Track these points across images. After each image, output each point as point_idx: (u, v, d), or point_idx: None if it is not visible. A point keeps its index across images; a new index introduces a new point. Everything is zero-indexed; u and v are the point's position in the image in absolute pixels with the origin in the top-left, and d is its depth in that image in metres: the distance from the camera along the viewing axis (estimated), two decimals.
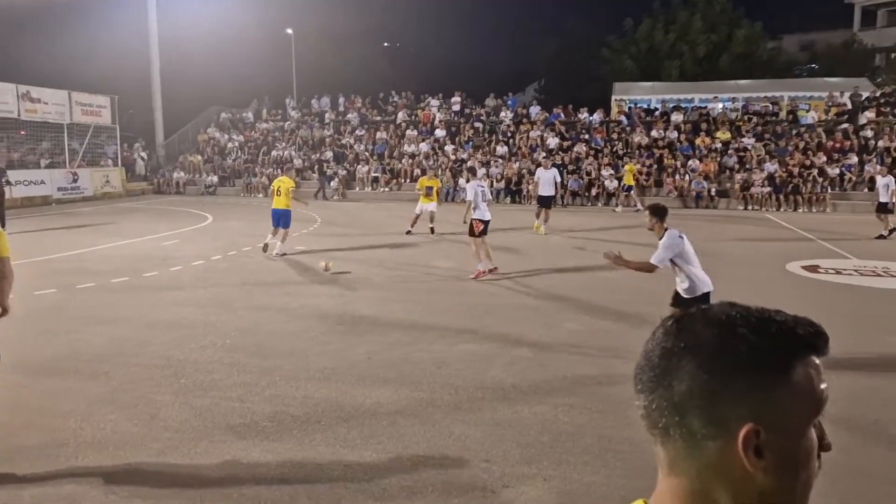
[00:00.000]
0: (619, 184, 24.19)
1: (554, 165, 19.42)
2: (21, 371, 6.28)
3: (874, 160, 23.64)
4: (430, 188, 16.38)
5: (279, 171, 28.79)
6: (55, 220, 19.36)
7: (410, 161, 28.61)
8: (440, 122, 30.77)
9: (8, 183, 16.97)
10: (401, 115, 31.95)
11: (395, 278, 11.04)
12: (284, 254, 12.95)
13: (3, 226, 16.17)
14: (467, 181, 12.16)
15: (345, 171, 28.44)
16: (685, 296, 6.31)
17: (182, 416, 5.33)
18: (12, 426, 5.03)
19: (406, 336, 7.61)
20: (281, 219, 12.99)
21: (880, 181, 16.41)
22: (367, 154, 29.57)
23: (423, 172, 19.79)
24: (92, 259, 12.70)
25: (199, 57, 40.22)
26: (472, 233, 10.97)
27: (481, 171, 26.39)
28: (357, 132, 31.46)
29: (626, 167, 24.32)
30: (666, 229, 6.38)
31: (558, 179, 17.93)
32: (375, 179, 28.13)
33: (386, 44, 58.34)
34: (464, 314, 8.67)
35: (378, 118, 32.63)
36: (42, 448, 4.73)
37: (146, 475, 4.37)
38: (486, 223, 11.05)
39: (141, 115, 34.10)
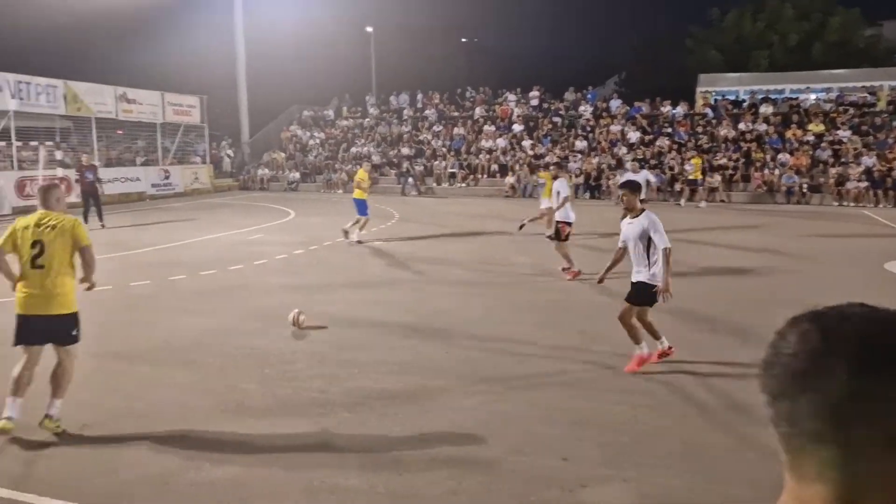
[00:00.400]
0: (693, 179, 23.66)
1: (642, 168, 18.70)
2: (120, 358, 6.64)
3: None
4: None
5: (358, 166, 29.33)
6: (149, 215, 20.35)
7: (488, 157, 28.60)
8: (518, 117, 30.60)
9: (99, 181, 17.92)
10: (478, 111, 31.95)
11: (473, 274, 11.05)
12: (360, 241, 13.94)
13: (101, 219, 17.11)
14: (555, 178, 11.32)
15: (422, 167, 28.69)
16: (649, 282, 6.15)
17: (266, 404, 5.51)
18: (111, 410, 5.32)
19: (484, 332, 7.61)
20: (357, 207, 14.16)
21: None
22: (444, 150, 29.73)
23: (545, 167, 17.89)
24: (182, 252, 13.28)
25: (283, 57, 41.39)
26: (559, 236, 10.49)
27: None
28: (434, 128, 31.68)
29: (693, 160, 23.72)
30: (643, 209, 6.30)
31: (652, 180, 16.92)
32: (452, 175, 28.24)
33: (464, 39, 58.44)
34: (542, 311, 8.60)
35: (455, 114, 32.75)
36: (137, 431, 4.98)
37: (233, 461, 4.54)
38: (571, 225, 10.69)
39: (227, 114, 35.38)
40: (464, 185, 27.74)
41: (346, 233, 14.09)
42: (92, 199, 17.33)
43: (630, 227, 6.28)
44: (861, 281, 10.28)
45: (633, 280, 6.29)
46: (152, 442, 4.80)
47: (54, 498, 4.05)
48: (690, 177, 23.50)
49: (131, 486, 4.20)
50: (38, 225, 4.92)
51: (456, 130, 30.89)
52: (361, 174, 14.51)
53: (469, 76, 42.12)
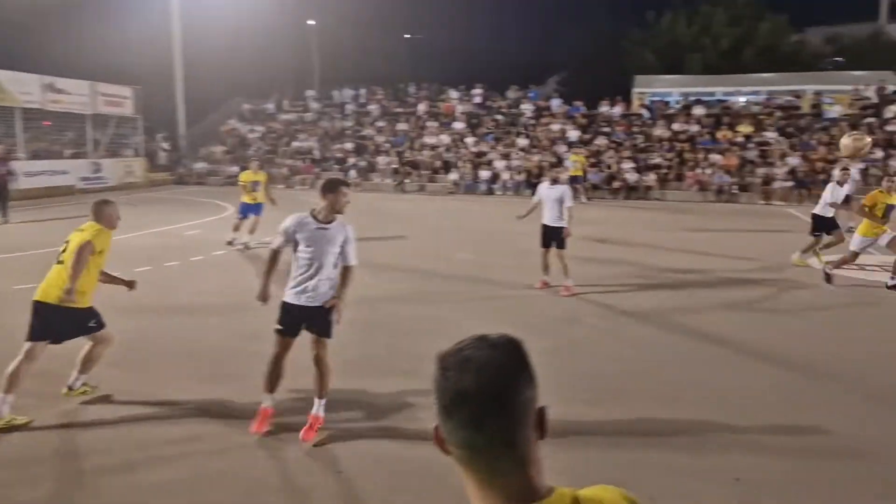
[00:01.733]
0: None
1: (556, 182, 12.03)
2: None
3: None
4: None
5: (301, 161, 28.96)
6: (76, 209, 19.56)
7: (431, 153, 28.64)
8: (461, 114, 30.75)
9: (11, 173, 17.21)
10: (421, 107, 31.95)
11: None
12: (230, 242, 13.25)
13: (6, 214, 16.39)
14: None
15: (364, 163, 28.53)
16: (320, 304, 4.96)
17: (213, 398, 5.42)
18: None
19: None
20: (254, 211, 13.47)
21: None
22: (386, 146, 29.63)
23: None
24: (114, 249, 12.80)
25: (222, 49, 40.37)
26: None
27: (501, 165, 26.45)
28: (377, 123, 31.55)
29: (573, 157, 23.70)
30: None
31: (567, 200, 9.48)
32: (395, 171, 28.18)
33: (407, 35, 58.28)
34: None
35: (399, 109, 32.67)
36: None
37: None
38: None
39: (163, 106, 34.38)
40: (406, 181, 27.68)
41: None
42: (2, 192, 16.67)
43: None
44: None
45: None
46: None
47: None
48: (571, 173, 23.32)
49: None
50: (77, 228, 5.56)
51: (399, 126, 30.83)
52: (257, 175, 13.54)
53: (412, 72, 42.11)
